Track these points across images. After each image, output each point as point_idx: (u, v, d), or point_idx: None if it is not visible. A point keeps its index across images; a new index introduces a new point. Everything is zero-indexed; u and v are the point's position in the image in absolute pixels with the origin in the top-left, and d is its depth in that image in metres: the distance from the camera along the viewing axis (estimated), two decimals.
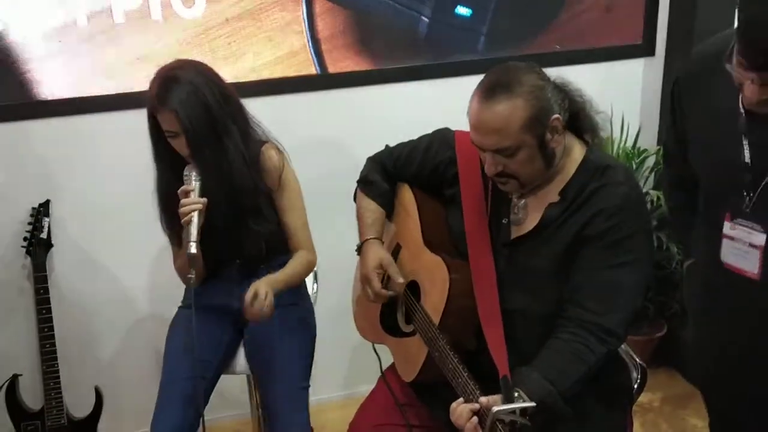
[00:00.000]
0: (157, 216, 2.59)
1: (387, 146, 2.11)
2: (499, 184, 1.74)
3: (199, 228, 1.94)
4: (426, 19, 2.68)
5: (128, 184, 2.65)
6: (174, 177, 2.05)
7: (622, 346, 1.82)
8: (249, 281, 2.06)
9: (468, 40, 2.75)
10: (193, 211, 1.94)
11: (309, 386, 2.17)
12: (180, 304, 2.37)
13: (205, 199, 1.97)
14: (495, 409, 1.50)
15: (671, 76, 2.99)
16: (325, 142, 2.76)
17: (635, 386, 1.90)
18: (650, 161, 2.98)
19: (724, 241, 1.68)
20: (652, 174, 2.98)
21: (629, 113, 2.96)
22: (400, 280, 1.93)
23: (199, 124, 1.96)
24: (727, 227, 1.67)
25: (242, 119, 2.09)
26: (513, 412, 1.50)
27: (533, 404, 1.52)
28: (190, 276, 1.94)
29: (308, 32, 2.61)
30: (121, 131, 2.60)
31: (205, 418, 2.94)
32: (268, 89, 2.63)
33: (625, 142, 2.93)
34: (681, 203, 1.95)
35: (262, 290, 1.99)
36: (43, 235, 2.54)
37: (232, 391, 2.81)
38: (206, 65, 2.05)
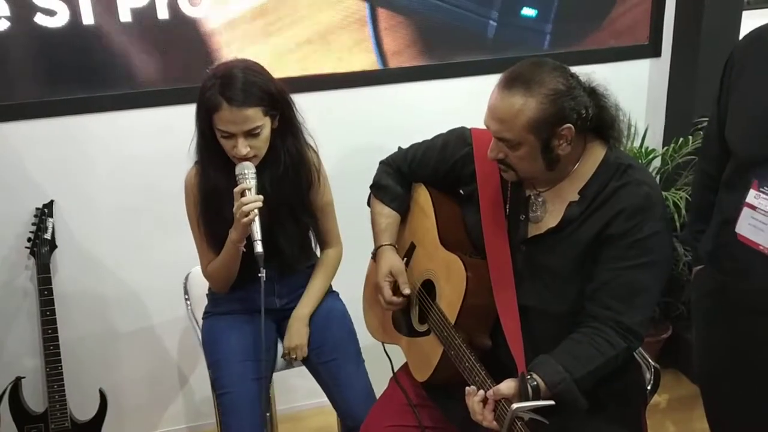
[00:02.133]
0: (161, 216, 2.59)
1: (399, 148, 2.10)
2: (501, 171, 1.76)
3: (260, 226, 1.96)
4: (494, 23, 2.77)
5: (133, 185, 2.63)
6: (222, 177, 2.05)
7: None
8: (285, 280, 2.16)
9: (534, 40, 2.85)
10: (255, 208, 1.95)
11: (364, 360, 2.24)
12: (206, 311, 2.33)
13: (262, 197, 1.98)
14: (515, 406, 1.52)
15: (677, 77, 3.01)
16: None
17: (648, 387, 1.90)
18: (657, 162, 2.98)
19: (744, 210, 1.67)
20: (659, 175, 2.97)
21: (635, 114, 2.95)
22: (407, 291, 1.94)
23: (276, 121, 2.02)
24: (752, 195, 1.66)
25: (296, 116, 2.10)
26: (532, 409, 1.52)
27: (552, 402, 1.54)
28: (260, 275, 1.94)
29: (376, 49, 2.70)
30: (126, 131, 2.58)
31: (202, 424, 2.95)
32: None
33: (632, 143, 2.92)
34: (704, 208, 1.93)
35: (303, 342, 2.19)
36: (47, 236, 2.52)
37: None
38: (258, 63, 2.05)
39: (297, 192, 2.13)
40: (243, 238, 2.02)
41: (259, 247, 1.94)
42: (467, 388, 1.65)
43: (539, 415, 1.52)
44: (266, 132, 2.00)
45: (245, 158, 1.98)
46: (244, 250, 2.05)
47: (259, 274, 1.94)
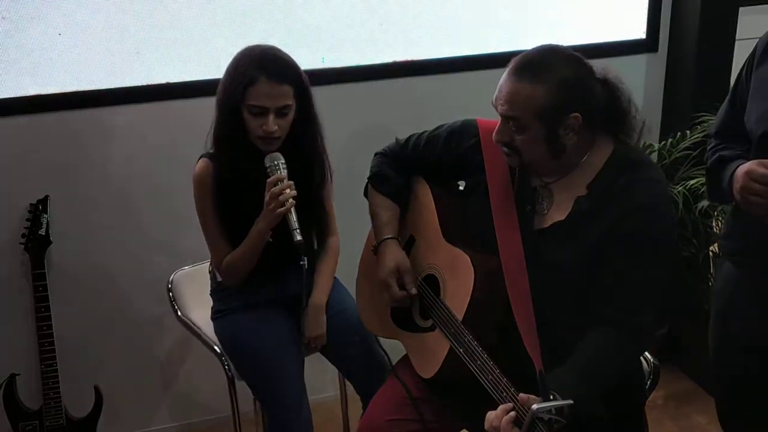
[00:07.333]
0: (156, 212, 2.57)
1: (397, 139, 2.07)
2: (506, 154, 1.74)
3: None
4: None
5: (128, 181, 2.62)
6: (244, 167, 2.05)
7: None
8: (295, 268, 2.09)
9: None
10: (291, 197, 1.97)
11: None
12: (218, 310, 2.29)
13: (293, 184, 1.99)
14: (535, 407, 1.48)
15: (674, 72, 3.01)
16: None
17: (648, 383, 1.89)
18: (653, 157, 2.97)
19: None
20: None
21: None
22: (414, 291, 1.90)
23: (305, 103, 2.06)
24: None
25: (315, 107, 2.13)
26: (551, 410, 1.49)
27: (571, 402, 1.50)
28: (302, 263, 1.97)
29: None
30: (122, 126, 2.57)
31: (199, 421, 2.90)
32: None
33: None
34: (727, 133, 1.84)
35: (323, 331, 2.20)
36: (42, 232, 2.50)
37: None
38: None
39: (312, 183, 2.14)
40: (270, 228, 2.02)
41: (298, 236, 1.96)
42: (501, 407, 1.56)
43: (558, 415, 1.49)
44: (292, 115, 2.03)
45: (272, 136, 1.99)
46: (270, 240, 2.05)
47: (301, 262, 1.98)
